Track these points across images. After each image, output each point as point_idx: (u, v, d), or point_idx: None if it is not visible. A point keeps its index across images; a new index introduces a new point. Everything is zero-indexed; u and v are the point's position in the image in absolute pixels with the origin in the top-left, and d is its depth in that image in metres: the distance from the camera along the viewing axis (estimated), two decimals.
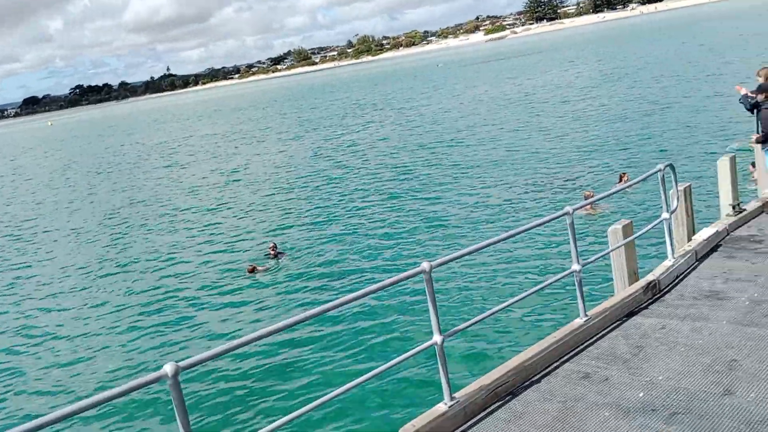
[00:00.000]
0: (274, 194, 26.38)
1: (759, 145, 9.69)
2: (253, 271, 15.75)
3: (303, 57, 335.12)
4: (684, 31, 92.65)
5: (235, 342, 4.18)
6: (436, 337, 5.16)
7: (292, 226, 20.34)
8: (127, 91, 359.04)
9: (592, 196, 14.17)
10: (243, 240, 19.59)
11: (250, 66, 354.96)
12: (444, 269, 12.48)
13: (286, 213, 22.49)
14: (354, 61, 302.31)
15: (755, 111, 9.66)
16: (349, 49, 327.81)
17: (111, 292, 16.55)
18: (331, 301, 4.84)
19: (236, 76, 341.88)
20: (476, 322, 5.86)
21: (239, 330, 12.42)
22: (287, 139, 46.09)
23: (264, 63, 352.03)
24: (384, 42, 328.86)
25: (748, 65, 35.48)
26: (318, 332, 11.60)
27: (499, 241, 6.23)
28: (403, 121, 45.70)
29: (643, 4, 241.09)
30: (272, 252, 16.68)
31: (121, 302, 15.60)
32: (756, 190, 10.88)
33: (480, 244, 5.96)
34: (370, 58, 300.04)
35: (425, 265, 5.08)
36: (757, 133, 9.63)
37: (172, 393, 3.76)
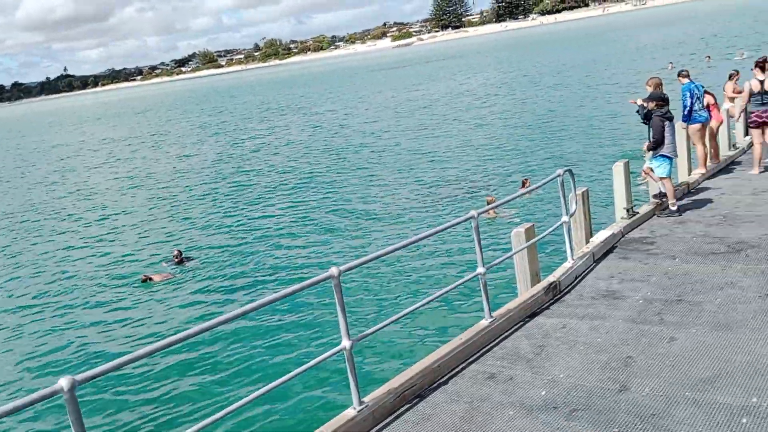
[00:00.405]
0: (176, 200, 25.63)
1: (650, 152, 10.20)
2: (147, 280, 15.12)
3: (208, 59, 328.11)
4: (581, 42, 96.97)
5: (136, 353, 4.01)
6: (345, 342, 5.13)
7: (195, 233, 19.80)
8: (20, 91, 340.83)
9: (494, 201, 14.54)
10: (143, 248, 18.89)
11: (153, 68, 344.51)
12: (352, 274, 12.47)
13: (189, 219, 21.87)
14: (261, 64, 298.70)
15: (648, 120, 10.17)
16: (256, 52, 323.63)
17: None
18: (238, 308, 4.72)
19: (138, 77, 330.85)
20: (384, 326, 5.87)
21: (141, 341, 11.96)
22: (190, 143, 44.96)
23: (168, 65, 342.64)
24: (292, 46, 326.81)
25: (639, 75, 37.57)
26: (224, 341, 11.33)
27: (405, 246, 6.28)
28: (310, 125, 45.53)
29: (543, 15, 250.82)
30: (176, 259, 16.17)
31: (11, 315, 14.71)
32: (647, 193, 11.47)
33: (387, 249, 5.98)
34: (277, 61, 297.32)
35: (333, 270, 5.04)
36: (648, 140, 10.13)
37: (68, 408, 3.56)
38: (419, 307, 6.43)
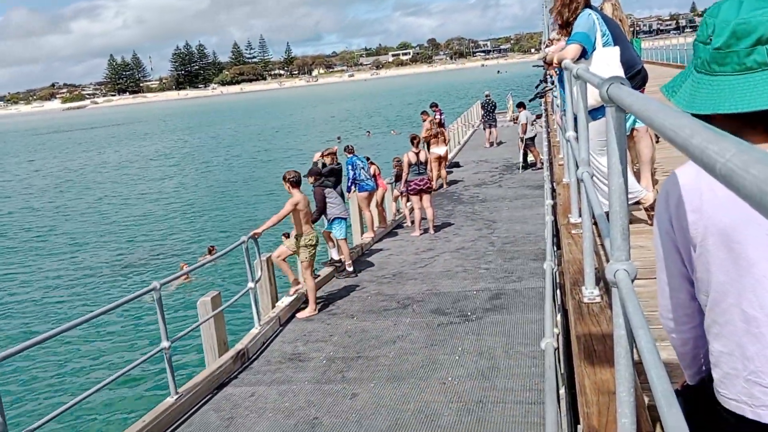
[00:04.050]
0: None
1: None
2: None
3: None
4: (261, 112, 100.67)
5: None
6: None
7: None
8: None
9: (187, 267, 14.08)
10: None
11: None
12: (14, 361, 10.92)
13: None
14: None
15: None
16: None
17: None
18: None
19: None
20: (55, 417, 5.20)
21: None
22: None
23: None
24: None
25: (313, 143, 40.08)
26: None
27: (79, 324, 5.68)
28: None
29: (223, 85, 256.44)
30: None
31: None
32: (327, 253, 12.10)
33: (58, 329, 5.36)
34: None
35: None
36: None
37: None
38: (95, 391, 5.84)
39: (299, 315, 8.92)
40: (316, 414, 6.05)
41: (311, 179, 10.72)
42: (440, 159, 18.21)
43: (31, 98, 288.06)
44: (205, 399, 6.66)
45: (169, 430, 6.06)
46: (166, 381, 6.51)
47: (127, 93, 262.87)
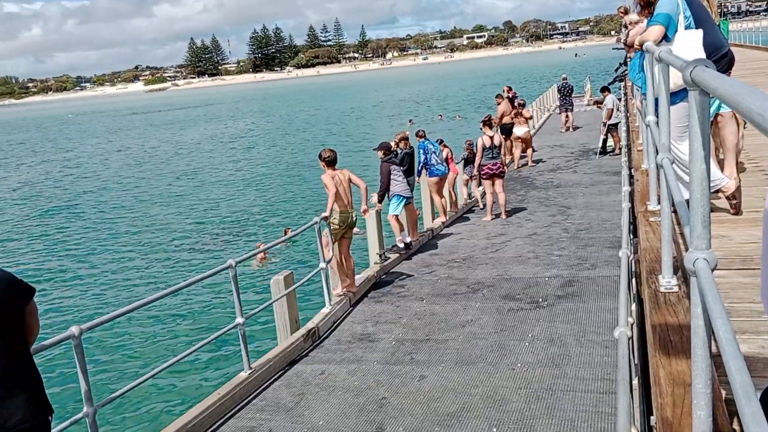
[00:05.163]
0: None
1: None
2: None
3: None
4: (336, 95, 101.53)
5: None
6: (87, 409, 4.65)
7: None
8: None
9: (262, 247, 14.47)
10: None
11: None
12: (98, 332, 11.49)
13: None
14: None
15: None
16: None
17: None
18: None
19: None
20: (135, 387, 5.46)
21: None
22: None
23: None
24: (30, 85, 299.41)
25: (385, 126, 40.23)
26: None
27: (158, 299, 5.93)
28: (54, 171, 41.78)
29: (298, 68, 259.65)
30: None
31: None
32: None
33: (138, 303, 5.60)
34: (12, 100, 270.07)
35: (74, 329, 4.57)
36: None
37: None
38: (173, 363, 6.08)
39: (334, 290, 8.86)
40: (385, 394, 6.12)
41: (380, 153, 10.88)
42: (521, 140, 18.48)
43: (116, 80, 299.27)
44: (277, 375, 6.84)
45: (243, 403, 6.26)
46: (240, 356, 6.71)
47: (206, 76, 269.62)
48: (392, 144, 11.74)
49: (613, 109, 18.10)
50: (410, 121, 43.21)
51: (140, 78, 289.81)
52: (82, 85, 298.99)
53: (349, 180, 8.98)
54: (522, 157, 18.91)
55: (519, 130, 18.47)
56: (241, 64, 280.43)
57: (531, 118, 21.90)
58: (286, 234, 17.44)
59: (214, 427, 5.84)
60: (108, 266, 17.80)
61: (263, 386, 6.59)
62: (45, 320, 13.78)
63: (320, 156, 9.09)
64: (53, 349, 5.34)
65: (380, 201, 11.10)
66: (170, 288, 6.11)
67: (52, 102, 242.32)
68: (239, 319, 6.57)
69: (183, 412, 6.12)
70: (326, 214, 8.61)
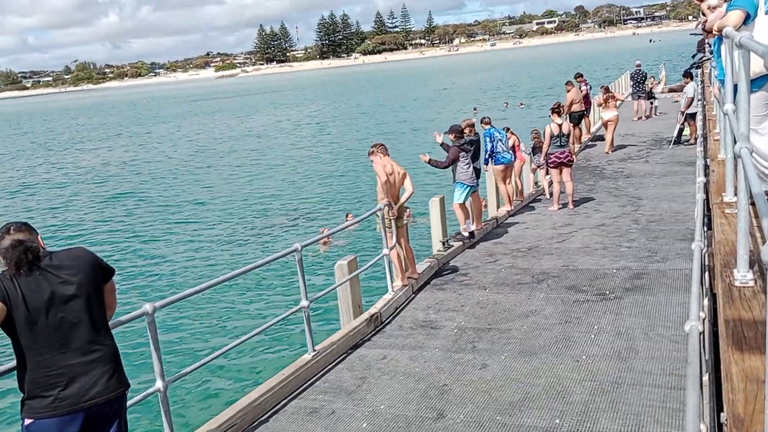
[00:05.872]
0: None
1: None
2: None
3: (11, 80, 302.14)
4: (401, 82, 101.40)
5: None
6: (159, 384, 4.84)
7: None
8: None
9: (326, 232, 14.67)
10: None
11: None
12: (169, 310, 11.89)
13: None
14: (73, 88, 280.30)
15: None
16: (66, 75, 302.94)
17: None
18: None
19: None
20: (203, 365, 5.64)
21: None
22: None
23: None
24: (107, 70, 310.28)
25: (449, 113, 39.94)
26: None
27: (226, 280, 6.10)
28: (128, 154, 43.29)
29: (365, 55, 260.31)
30: None
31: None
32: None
33: (207, 284, 5.77)
34: (90, 86, 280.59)
35: (147, 306, 4.76)
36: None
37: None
38: (240, 343, 6.26)
39: (394, 282, 8.70)
40: (446, 381, 6.14)
41: (452, 136, 10.87)
42: (608, 123, 18.34)
43: (188, 66, 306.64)
44: (340, 358, 6.94)
45: (306, 384, 6.39)
46: (304, 338, 6.84)
47: (275, 62, 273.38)
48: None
49: (693, 98, 17.42)
50: (474, 108, 42.75)
51: (211, 64, 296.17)
52: (156, 71, 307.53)
53: (403, 177, 9.01)
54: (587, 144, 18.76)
55: (607, 114, 18.30)
56: (309, 50, 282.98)
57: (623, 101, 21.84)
58: (348, 219, 17.64)
59: (278, 406, 5.97)
60: (179, 248, 18.37)
61: (326, 369, 6.70)
62: (120, 298, 14.36)
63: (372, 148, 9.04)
64: (127, 325, 5.57)
65: (434, 165, 10.87)
66: (238, 270, 6.27)
67: (128, 87, 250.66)
68: (304, 302, 6.69)
69: (248, 390, 6.28)
70: (386, 201, 8.56)
